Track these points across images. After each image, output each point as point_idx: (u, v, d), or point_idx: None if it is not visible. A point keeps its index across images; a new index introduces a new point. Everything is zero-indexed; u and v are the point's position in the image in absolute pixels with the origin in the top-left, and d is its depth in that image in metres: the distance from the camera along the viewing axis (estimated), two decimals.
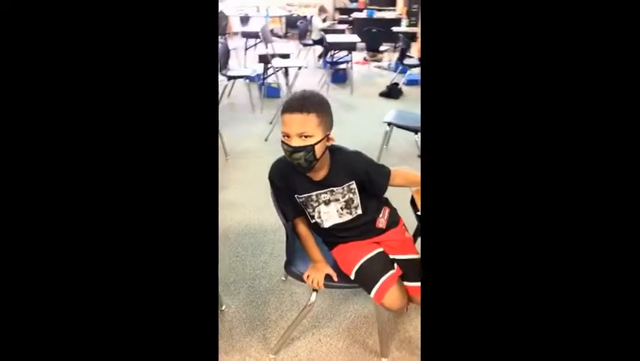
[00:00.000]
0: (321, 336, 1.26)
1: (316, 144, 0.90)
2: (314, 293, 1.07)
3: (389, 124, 2.36)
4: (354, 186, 1.02)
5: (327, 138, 0.94)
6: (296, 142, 0.89)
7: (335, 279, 1.02)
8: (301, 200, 1.04)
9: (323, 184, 1.01)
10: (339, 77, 4.50)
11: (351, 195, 1.03)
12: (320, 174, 1.00)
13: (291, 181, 1.02)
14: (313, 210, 1.04)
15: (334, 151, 1.01)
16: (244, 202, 2.04)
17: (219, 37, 4.91)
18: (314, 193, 1.02)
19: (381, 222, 1.09)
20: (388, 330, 1.26)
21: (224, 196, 2.09)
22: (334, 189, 1.01)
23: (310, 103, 0.90)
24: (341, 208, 1.04)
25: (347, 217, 1.05)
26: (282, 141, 0.92)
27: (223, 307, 1.35)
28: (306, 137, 0.89)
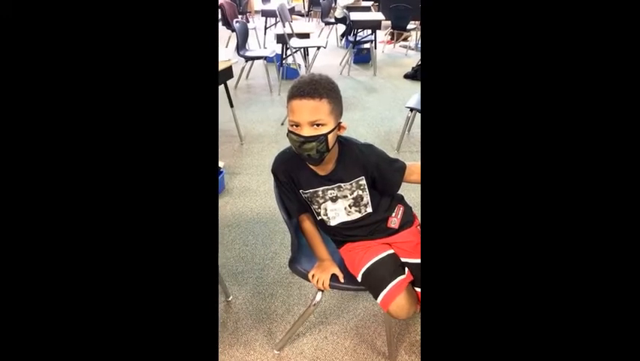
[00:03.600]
0: (328, 334, 1.21)
1: (329, 132, 0.82)
2: (319, 293, 1.01)
3: (411, 109, 2.23)
4: (363, 182, 0.94)
5: (339, 126, 0.86)
6: (307, 131, 0.81)
7: (341, 280, 0.96)
8: (306, 196, 0.97)
9: (330, 179, 0.93)
10: (362, 57, 4.30)
11: (360, 192, 0.95)
12: (327, 168, 0.92)
13: (295, 175, 0.95)
14: (319, 207, 0.97)
15: (343, 143, 0.92)
16: (257, 189, 2.00)
17: (239, 16, 4.80)
18: (320, 189, 0.94)
19: (394, 221, 1.00)
20: (398, 332, 1.20)
21: (237, 182, 2.06)
22: (342, 184, 0.93)
23: (322, 87, 0.80)
24: (349, 206, 0.96)
25: (356, 215, 0.97)
26: (290, 131, 0.83)
27: (230, 298, 1.33)
28: (318, 125, 0.81)
